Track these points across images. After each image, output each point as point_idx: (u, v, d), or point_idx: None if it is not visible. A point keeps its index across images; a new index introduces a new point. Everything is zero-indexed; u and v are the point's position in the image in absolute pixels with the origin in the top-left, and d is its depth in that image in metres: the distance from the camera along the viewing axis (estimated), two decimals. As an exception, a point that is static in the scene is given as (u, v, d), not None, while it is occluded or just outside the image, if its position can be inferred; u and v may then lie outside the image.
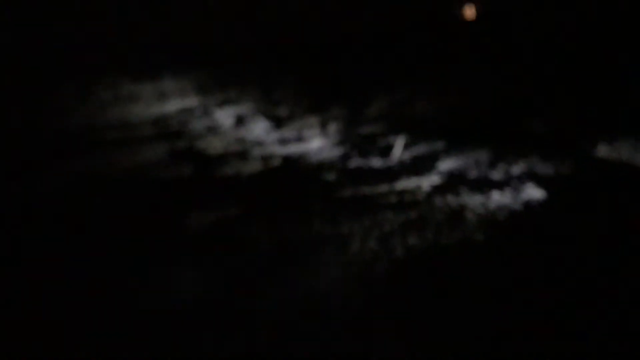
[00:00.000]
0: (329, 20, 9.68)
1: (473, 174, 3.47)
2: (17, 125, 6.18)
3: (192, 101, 6.99)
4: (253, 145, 4.88)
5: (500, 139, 4.13)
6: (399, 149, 4.08)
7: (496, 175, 3.42)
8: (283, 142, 4.86)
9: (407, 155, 4.00)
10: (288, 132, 5.16)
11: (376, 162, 3.93)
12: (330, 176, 3.69)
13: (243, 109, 6.30)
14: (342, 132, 4.95)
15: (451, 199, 3.05)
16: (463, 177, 3.43)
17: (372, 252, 2.44)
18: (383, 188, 3.31)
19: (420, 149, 4.13)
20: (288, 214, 2.96)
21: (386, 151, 4.15)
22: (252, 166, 4.23)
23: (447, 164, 3.69)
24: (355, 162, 4.00)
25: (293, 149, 4.62)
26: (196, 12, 8.67)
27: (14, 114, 6.51)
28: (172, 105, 6.89)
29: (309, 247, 2.53)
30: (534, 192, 3.10)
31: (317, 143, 4.71)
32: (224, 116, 6.03)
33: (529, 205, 2.94)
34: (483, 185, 3.25)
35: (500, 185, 3.22)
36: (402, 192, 3.21)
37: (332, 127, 5.10)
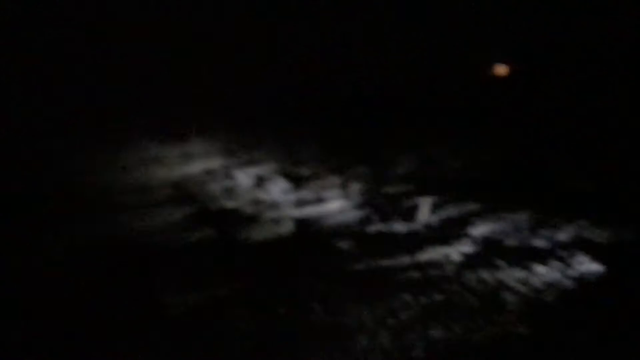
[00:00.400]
0: (356, 75, 9.30)
1: (512, 241, 2.85)
2: (29, 183, 5.87)
3: (215, 162, 6.59)
4: (268, 207, 4.37)
5: (543, 199, 3.50)
6: (425, 211, 3.50)
7: (539, 243, 2.78)
8: (300, 204, 4.33)
9: (435, 219, 3.40)
10: (307, 192, 4.64)
11: (399, 227, 3.35)
12: (344, 244, 3.12)
13: (265, 169, 5.84)
14: (365, 192, 4.40)
15: (486, 275, 2.43)
16: (500, 246, 2.80)
17: (383, 351, 1.84)
18: (403, 260, 2.72)
19: (450, 210, 3.53)
20: (285, 296, 2.40)
21: (411, 214, 3.57)
22: (261, 232, 3.70)
23: (481, 229, 3.07)
24: (375, 227, 3.42)
25: (309, 211, 4.08)
26: (220, 70, 8.43)
27: (28, 171, 6.23)
28: (195, 167, 6.50)
29: (304, 342, 1.94)
30: (587, 265, 2.45)
31: (336, 205, 4.16)
32: (244, 177, 5.57)
33: (582, 281, 2.30)
34: (524, 256, 2.62)
35: (545, 256, 2.59)
36: (426, 266, 2.61)
37: (354, 187, 4.56)
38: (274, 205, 4.41)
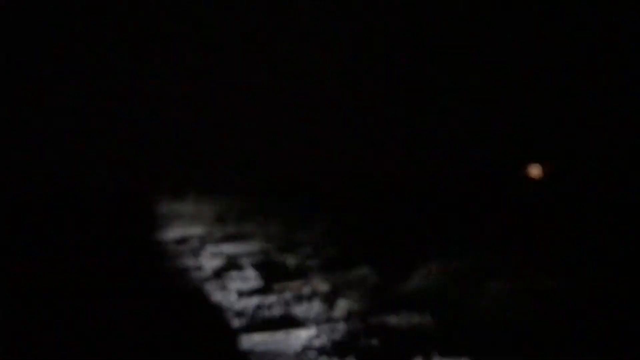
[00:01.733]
0: (381, 166, 7.61)
1: None
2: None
3: (195, 230, 4.88)
4: (206, 321, 2.60)
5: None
6: None
7: None
8: (253, 324, 2.53)
9: None
10: (274, 301, 2.83)
11: None
12: None
13: (245, 248, 4.08)
14: (356, 318, 2.56)
15: None
16: None
17: None
18: None
19: None
20: None
21: None
22: None
23: None
24: None
25: (258, 341, 2.28)
26: (239, 135, 6.93)
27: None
28: (172, 232, 4.81)
29: None
30: None
31: (304, 335, 2.34)
32: (212, 258, 3.82)
33: None
34: None
35: None
36: None
37: (343, 305, 2.72)
38: (216, 317, 2.63)
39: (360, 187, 6.25)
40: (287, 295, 2.90)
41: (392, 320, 2.48)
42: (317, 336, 2.31)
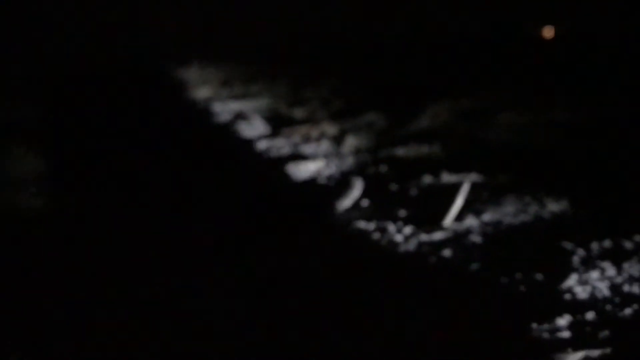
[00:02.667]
0: (395, 21, 7.13)
1: None
2: None
3: (203, 93, 4.70)
4: (216, 163, 2.53)
5: None
6: (458, 207, 1.57)
7: None
8: (262, 159, 2.46)
9: (478, 223, 1.48)
10: (282, 142, 2.74)
11: (398, 234, 1.46)
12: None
13: (253, 105, 3.93)
14: (363, 151, 2.46)
15: None
16: None
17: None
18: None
19: (507, 208, 1.59)
20: None
21: (427, 204, 1.65)
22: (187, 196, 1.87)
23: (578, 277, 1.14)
24: (356, 225, 1.54)
25: (265, 175, 2.22)
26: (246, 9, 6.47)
27: None
28: (178, 96, 4.65)
29: None
30: None
31: (312, 167, 2.27)
32: (224, 112, 3.69)
33: None
34: None
35: None
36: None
37: (351, 142, 2.62)
38: (226, 152, 2.56)
39: (368, 47, 5.91)
40: (296, 138, 2.80)
41: (400, 152, 2.38)
42: (326, 167, 2.24)
